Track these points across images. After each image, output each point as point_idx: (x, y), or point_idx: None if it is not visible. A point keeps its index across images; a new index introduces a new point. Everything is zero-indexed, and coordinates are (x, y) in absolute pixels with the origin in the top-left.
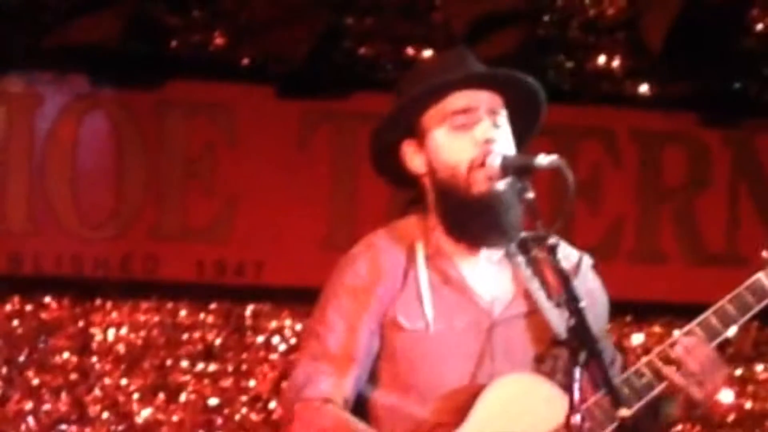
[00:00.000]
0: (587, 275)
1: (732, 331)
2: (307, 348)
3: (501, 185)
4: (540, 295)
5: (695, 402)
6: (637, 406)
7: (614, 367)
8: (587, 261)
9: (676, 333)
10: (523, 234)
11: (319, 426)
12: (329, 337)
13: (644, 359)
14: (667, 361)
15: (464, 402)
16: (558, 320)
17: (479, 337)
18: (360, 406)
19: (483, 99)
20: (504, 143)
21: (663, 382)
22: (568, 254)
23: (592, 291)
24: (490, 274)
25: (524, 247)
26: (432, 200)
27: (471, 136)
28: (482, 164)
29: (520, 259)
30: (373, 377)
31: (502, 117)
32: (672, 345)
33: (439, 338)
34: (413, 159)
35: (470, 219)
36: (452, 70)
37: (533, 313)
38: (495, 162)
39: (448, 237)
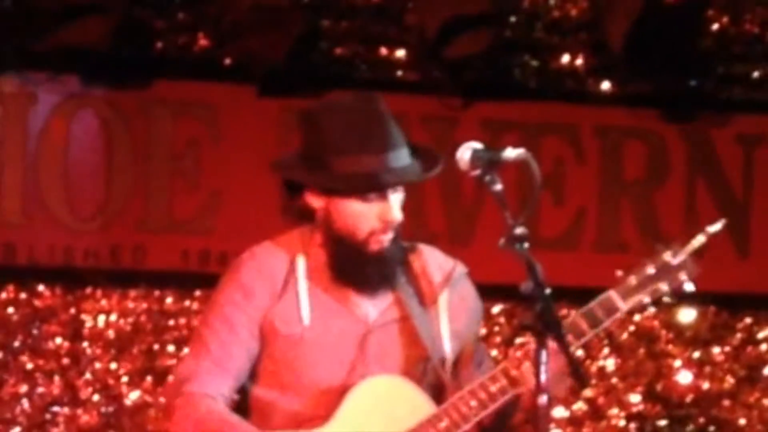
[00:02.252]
0: (461, 282)
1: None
2: (192, 348)
3: (389, 239)
4: (412, 302)
5: (539, 407)
6: (491, 408)
7: (481, 368)
8: (460, 269)
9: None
10: (403, 244)
11: (195, 417)
12: (211, 339)
13: (499, 366)
14: (518, 368)
15: (336, 399)
16: (427, 327)
17: (354, 343)
18: (242, 401)
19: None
20: (398, 205)
21: (517, 387)
22: (441, 262)
23: (465, 298)
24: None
25: (401, 256)
26: (322, 234)
27: (375, 208)
28: (382, 232)
29: (398, 267)
30: (254, 374)
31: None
32: (524, 354)
33: (314, 344)
34: (313, 199)
35: (362, 268)
36: (371, 153)
37: (406, 318)
38: (465, 155)
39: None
